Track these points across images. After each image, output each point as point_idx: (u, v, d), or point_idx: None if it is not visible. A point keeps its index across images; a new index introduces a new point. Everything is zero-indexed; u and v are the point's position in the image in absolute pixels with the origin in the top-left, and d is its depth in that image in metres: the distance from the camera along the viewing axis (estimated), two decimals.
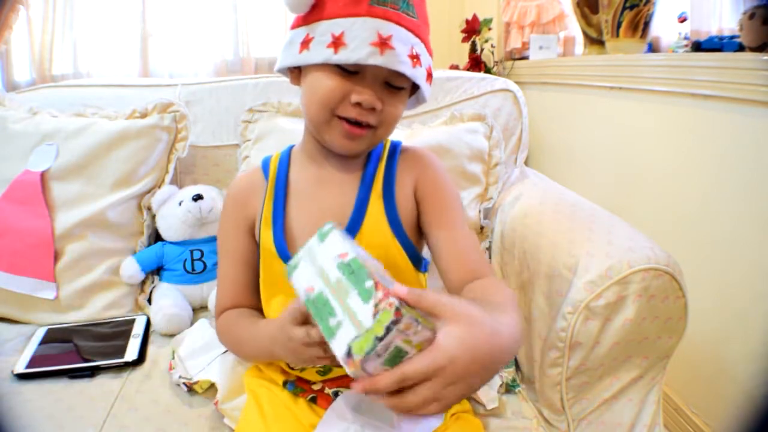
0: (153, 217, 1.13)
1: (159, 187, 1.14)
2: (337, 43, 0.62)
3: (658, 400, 0.74)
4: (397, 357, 0.45)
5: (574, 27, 1.73)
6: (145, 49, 2.17)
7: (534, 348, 0.81)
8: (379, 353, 0.44)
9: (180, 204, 1.09)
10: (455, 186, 0.77)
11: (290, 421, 0.69)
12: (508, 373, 0.86)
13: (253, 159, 1.12)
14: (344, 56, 0.62)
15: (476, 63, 1.97)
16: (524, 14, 1.84)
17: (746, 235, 0.96)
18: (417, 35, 0.65)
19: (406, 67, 0.63)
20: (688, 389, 1.11)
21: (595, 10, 1.46)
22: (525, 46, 1.86)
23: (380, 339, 0.43)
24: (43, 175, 1.07)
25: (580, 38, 1.66)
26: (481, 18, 1.96)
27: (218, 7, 2.17)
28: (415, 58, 0.64)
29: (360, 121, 0.65)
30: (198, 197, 1.09)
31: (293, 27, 0.70)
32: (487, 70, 1.95)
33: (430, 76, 0.69)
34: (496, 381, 0.84)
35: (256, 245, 0.76)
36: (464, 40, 2.01)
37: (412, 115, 1.20)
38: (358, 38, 0.62)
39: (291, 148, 0.80)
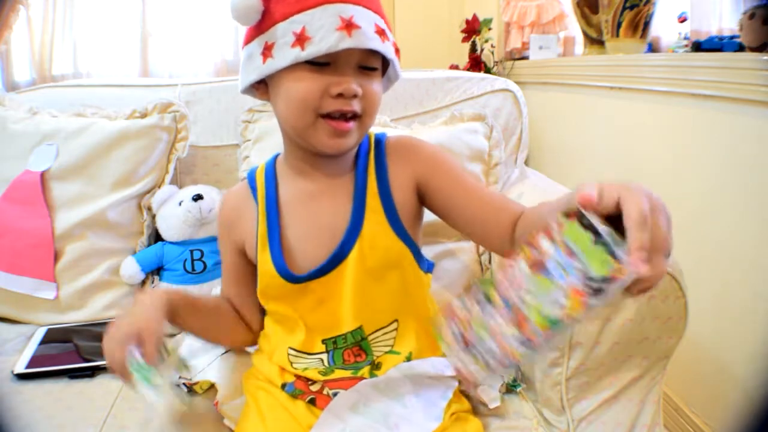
0: (153, 217, 1.13)
1: (159, 187, 1.14)
2: (301, 39, 0.60)
3: (658, 400, 0.74)
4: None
5: (574, 27, 1.73)
6: (145, 49, 2.17)
7: None
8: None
9: (180, 204, 1.09)
10: (448, 154, 0.76)
11: (289, 423, 0.69)
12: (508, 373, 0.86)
13: (253, 159, 1.12)
14: (313, 50, 0.60)
15: (476, 63, 1.97)
16: (524, 14, 1.84)
17: (746, 235, 0.96)
18: (375, 12, 0.64)
19: (377, 44, 0.62)
20: (688, 389, 1.11)
21: (595, 10, 1.46)
22: (525, 46, 1.86)
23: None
24: (43, 175, 1.07)
25: (580, 38, 1.67)
26: (481, 18, 1.96)
27: (218, 7, 2.17)
28: (381, 33, 0.63)
29: (345, 113, 0.63)
30: (198, 197, 1.09)
31: (247, 41, 0.67)
32: (487, 70, 1.95)
33: (397, 51, 0.68)
34: (498, 381, 0.84)
35: (250, 263, 0.76)
36: (464, 40, 2.01)
37: (412, 115, 1.19)
38: (323, 28, 0.60)
39: (275, 158, 0.78)
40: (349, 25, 0.60)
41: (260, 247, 0.72)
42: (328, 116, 0.64)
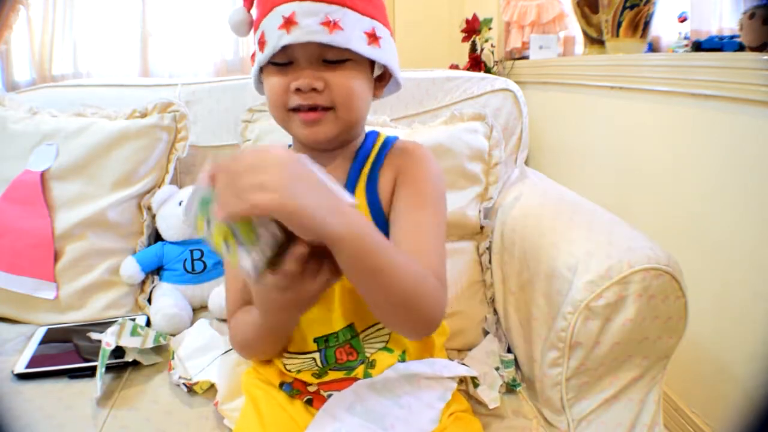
0: (153, 217, 1.13)
1: (159, 187, 1.14)
2: (261, 43, 0.66)
3: (658, 400, 0.74)
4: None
5: (574, 27, 1.73)
6: (145, 49, 2.17)
7: (534, 348, 0.81)
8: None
9: (180, 204, 1.09)
10: (442, 186, 0.72)
11: (287, 423, 0.69)
12: (508, 373, 0.86)
13: None
14: (266, 52, 0.65)
15: (476, 63, 1.97)
16: (524, 14, 1.84)
17: (746, 235, 0.96)
18: (331, 2, 0.64)
19: (319, 36, 0.63)
20: (688, 389, 1.11)
21: (595, 9, 1.46)
22: (525, 45, 1.86)
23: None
24: (43, 175, 1.07)
25: (580, 38, 1.67)
26: (481, 18, 1.96)
27: (218, 7, 2.17)
28: (330, 24, 0.63)
29: (311, 107, 0.65)
30: None
31: None
32: (487, 70, 1.95)
33: (373, 37, 0.66)
34: (497, 381, 0.84)
35: None
36: (464, 39, 2.01)
37: (412, 115, 1.20)
38: (270, 30, 0.64)
39: (288, 146, 0.79)
40: (287, 23, 0.63)
41: None
42: (298, 109, 0.67)
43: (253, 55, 0.70)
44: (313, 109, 0.65)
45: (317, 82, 0.64)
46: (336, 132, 0.68)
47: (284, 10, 0.63)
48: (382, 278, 0.55)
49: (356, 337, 0.70)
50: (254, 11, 0.70)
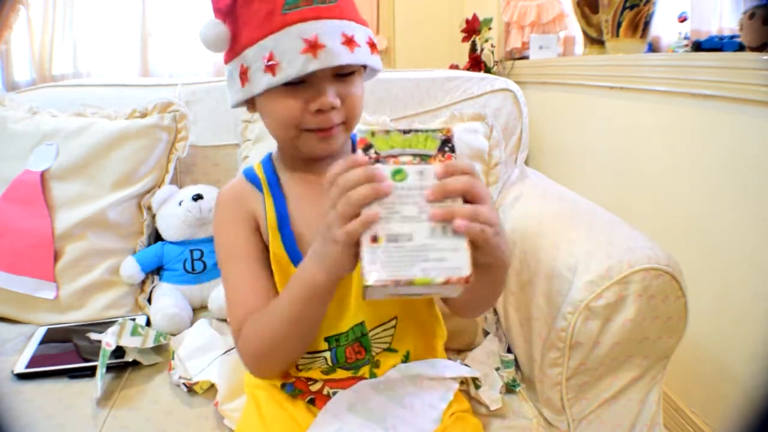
0: (153, 217, 1.13)
1: (159, 186, 1.14)
2: (271, 65, 0.61)
3: (658, 400, 0.74)
4: None
5: (574, 27, 1.73)
6: (145, 49, 2.17)
7: (534, 348, 0.81)
8: None
9: (180, 204, 1.09)
10: None
11: (288, 423, 0.69)
12: (508, 373, 0.86)
13: (253, 159, 1.12)
14: (284, 75, 0.61)
15: (476, 63, 1.97)
16: (524, 14, 1.84)
17: (746, 235, 0.96)
18: (341, 17, 0.63)
19: (346, 58, 0.62)
20: (688, 389, 1.11)
21: (595, 9, 1.46)
22: (525, 45, 1.86)
23: None
24: (43, 175, 1.07)
25: (580, 38, 1.67)
26: (481, 18, 1.96)
27: None
28: (349, 42, 0.62)
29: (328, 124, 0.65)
30: (198, 197, 1.09)
31: (226, 61, 0.69)
32: (487, 70, 1.95)
33: (373, 46, 0.67)
34: (498, 382, 0.84)
35: (265, 247, 0.74)
36: (464, 39, 2.01)
37: (412, 115, 1.20)
38: (288, 52, 0.61)
39: (270, 155, 0.77)
40: (313, 46, 0.60)
41: (270, 233, 0.70)
42: (311, 129, 0.65)
43: (245, 72, 0.64)
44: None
45: (336, 100, 0.63)
46: (344, 141, 0.69)
47: (304, 31, 0.60)
48: (503, 283, 0.64)
49: (365, 336, 0.70)
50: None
